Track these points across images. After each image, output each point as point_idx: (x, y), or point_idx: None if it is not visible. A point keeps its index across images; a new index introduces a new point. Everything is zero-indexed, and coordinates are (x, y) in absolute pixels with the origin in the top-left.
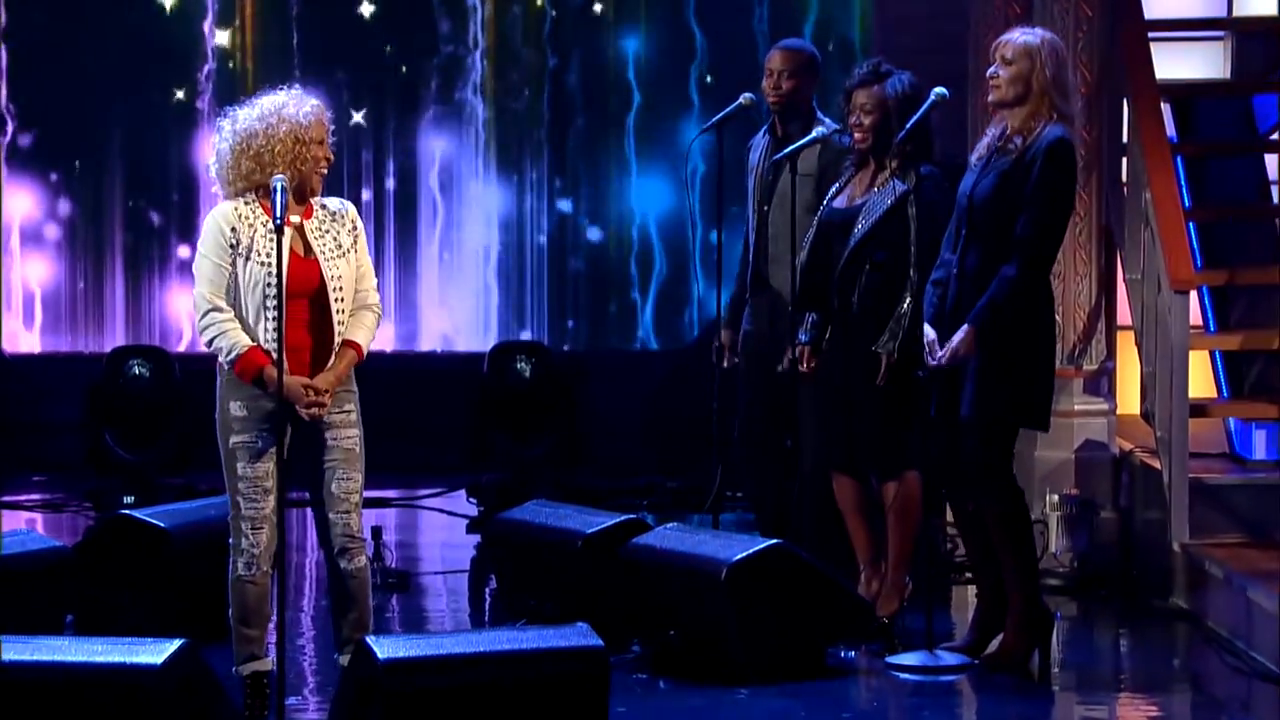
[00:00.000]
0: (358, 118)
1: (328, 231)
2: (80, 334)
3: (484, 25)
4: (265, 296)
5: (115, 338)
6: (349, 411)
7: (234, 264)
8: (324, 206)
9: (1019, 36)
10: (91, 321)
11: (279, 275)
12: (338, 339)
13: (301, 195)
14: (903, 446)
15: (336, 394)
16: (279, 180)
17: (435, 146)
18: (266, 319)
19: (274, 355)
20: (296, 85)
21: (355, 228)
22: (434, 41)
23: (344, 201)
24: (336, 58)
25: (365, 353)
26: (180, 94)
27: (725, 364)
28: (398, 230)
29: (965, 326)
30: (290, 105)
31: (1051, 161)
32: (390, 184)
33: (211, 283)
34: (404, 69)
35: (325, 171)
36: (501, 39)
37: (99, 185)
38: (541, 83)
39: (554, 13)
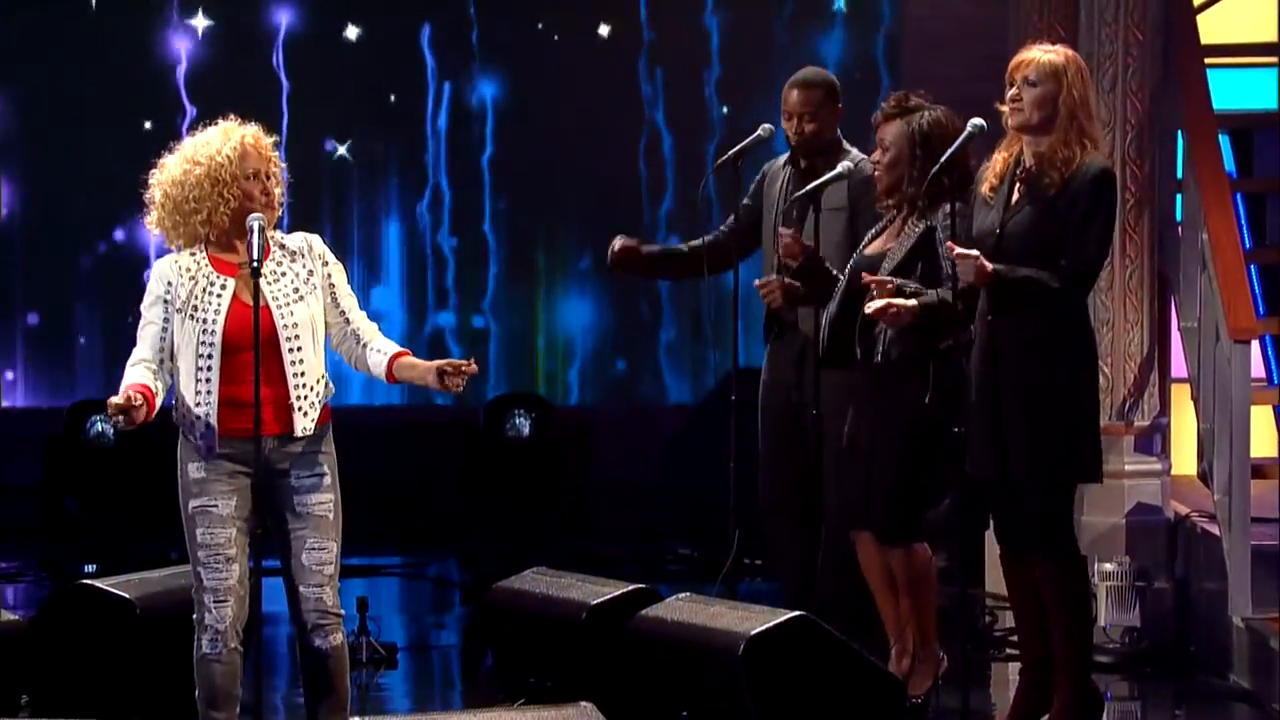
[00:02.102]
0: (342, 150)
1: (284, 275)
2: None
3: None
4: (199, 355)
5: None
6: (321, 474)
7: (169, 321)
8: (283, 246)
9: (1042, 55)
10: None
11: (257, 324)
12: (294, 392)
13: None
14: (916, 513)
15: (306, 455)
16: (256, 220)
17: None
18: (199, 379)
19: (200, 411)
20: (233, 116)
21: (325, 262)
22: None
23: (307, 236)
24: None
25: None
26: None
27: (615, 249)
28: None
29: (990, 267)
30: (214, 142)
31: (1100, 194)
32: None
33: (142, 341)
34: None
35: (271, 206)
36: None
37: None
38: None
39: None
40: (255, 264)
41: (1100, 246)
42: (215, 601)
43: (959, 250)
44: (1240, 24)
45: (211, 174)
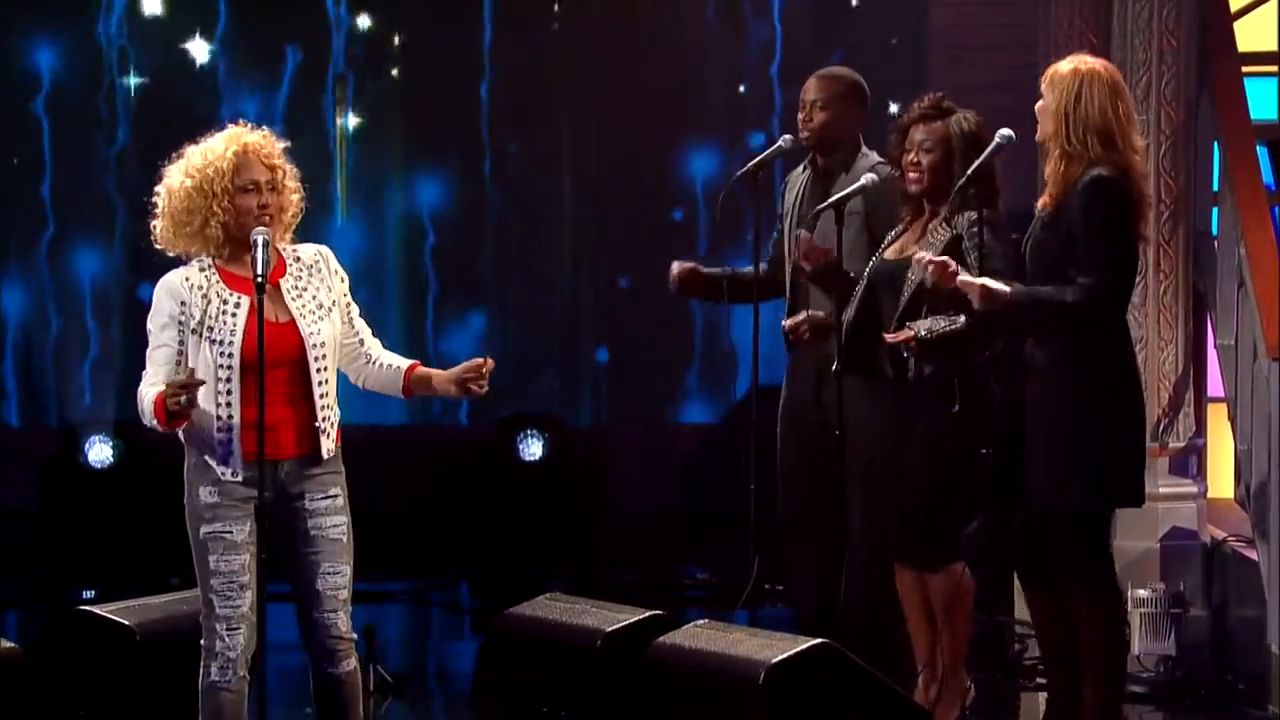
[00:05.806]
0: None
1: (305, 289)
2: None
3: None
4: (218, 379)
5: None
6: (334, 496)
7: (184, 344)
8: (298, 259)
9: (1064, 64)
10: None
11: (261, 343)
12: (320, 413)
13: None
14: (952, 534)
15: (319, 476)
16: (260, 234)
17: None
18: (218, 402)
19: (222, 436)
20: (243, 121)
21: (342, 278)
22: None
23: (319, 249)
24: None
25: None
26: None
27: (676, 276)
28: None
29: (1003, 285)
30: (213, 150)
31: (1089, 202)
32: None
33: (154, 364)
34: None
35: (267, 221)
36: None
37: None
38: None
39: None
40: (261, 279)
41: (1111, 255)
42: (228, 629)
43: (962, 279)
44: (1241, 33)
45: (202, 187)
